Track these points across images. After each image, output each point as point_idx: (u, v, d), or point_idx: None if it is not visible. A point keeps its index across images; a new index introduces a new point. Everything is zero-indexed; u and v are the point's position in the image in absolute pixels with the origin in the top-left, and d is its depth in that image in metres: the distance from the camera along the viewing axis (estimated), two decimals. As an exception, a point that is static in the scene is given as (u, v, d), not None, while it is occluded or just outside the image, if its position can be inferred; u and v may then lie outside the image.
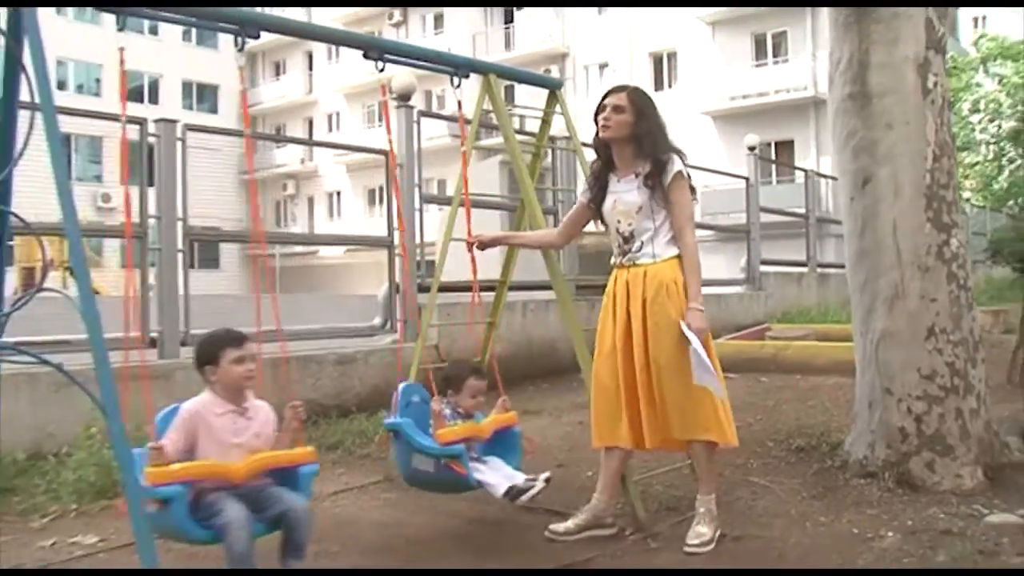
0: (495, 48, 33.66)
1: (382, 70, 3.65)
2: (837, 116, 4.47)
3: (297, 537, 2.80)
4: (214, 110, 39.85)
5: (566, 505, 3.96)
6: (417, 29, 36.26)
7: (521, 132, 6.31)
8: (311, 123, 40.50)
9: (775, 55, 27.48)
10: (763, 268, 11.19)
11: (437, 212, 8.49)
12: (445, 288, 7.20)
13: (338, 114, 39.31)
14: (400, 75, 6.80)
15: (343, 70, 36.68)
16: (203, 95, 40.23)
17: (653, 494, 4.08)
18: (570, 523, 3.61)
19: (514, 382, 7.58)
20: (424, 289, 7.18)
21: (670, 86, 29.74)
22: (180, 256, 5.79)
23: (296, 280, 32.52)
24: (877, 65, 4.29)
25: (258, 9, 3.54)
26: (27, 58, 2.52)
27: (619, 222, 3.55)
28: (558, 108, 4.44)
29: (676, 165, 3.46)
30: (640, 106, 3.51)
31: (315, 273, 34.27)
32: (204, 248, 31.35)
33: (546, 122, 4.51)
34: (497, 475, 3.58)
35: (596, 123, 3.57)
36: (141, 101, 35.68)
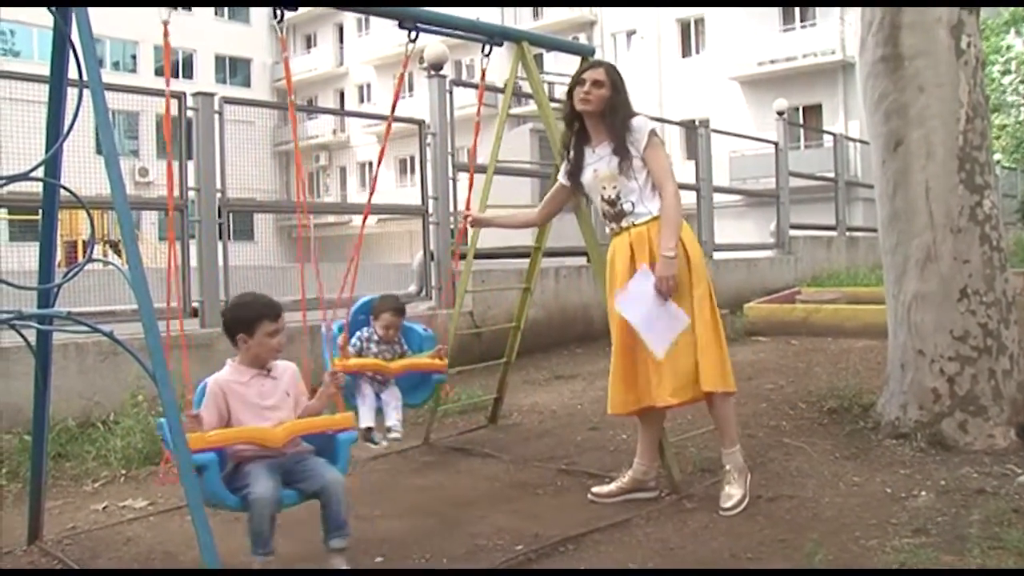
0: (523, 16, 33.38)
1: (415, 39, 3.70)
2: (868, 79, 4.44)
3: (333, 514, 2.79)
4: (247, 83, 40.02)
5: (602, 467, 4.06)
6: (445, -3, 36.05)
7: (552, 100, 6.31)
8: (342, 95, 40.54)
9: (803, 19, 27.00)
10: (792, 232, 11.14)
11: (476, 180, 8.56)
12: (481, 255, 7.33)
13: (369, 85, 39.30)
14: (432, 45, 6.84)
15: (373, 42, 36.63)
16: (236, 69, 40.40)
17: (688, 456, 4.14)
18: (612, 486, 3.69)
19: (548, 347, 7.70)
20: (463, 256, 7.28)
21: (698, 52, 29.37)
22: (219, 227, 5.91)
23: (331, 250, 32.64)
24: (909, 26, 4.26)
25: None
26: (75, 36, 2.60)
27: (603, 188, 3.60)
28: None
29: (648, 124, 3.56)
30: (615, 80, 3.59)
31: (349, 243, 34.38)
32: (239, 220, 31.57)
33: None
34: (369, 413, 4.08)
35: (571, 97, 3.62)
36: (176, 76, 35.90)
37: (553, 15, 32.27)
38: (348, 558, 2.91)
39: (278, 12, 3.16)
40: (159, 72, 36.15)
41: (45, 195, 2.97)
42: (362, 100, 39.51)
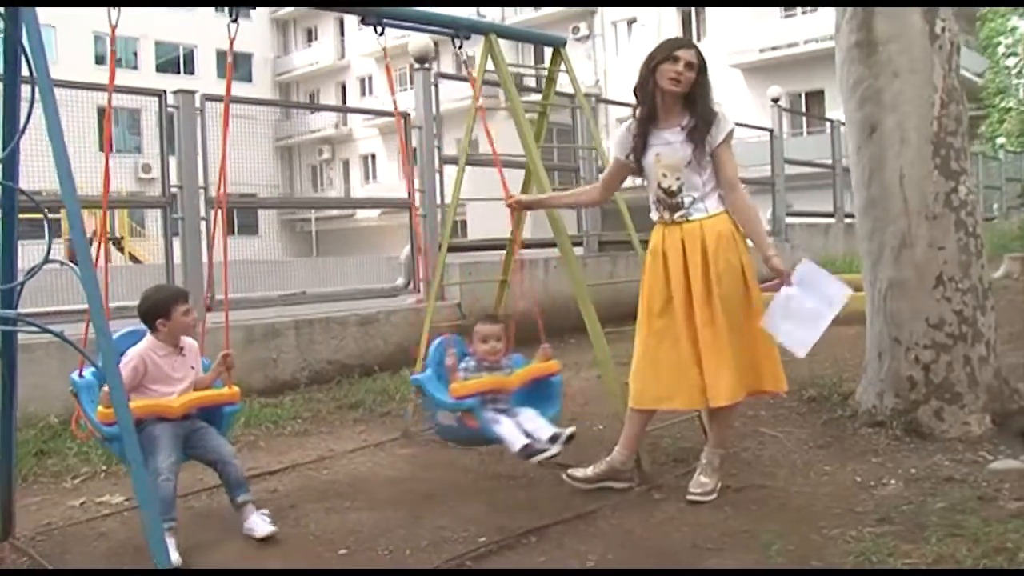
0: (524, 7, 33.33)
1: (381, 34, 3.71)
2: (844, 65, 4.42)
3: (233, 477, 3.30)
4: (248, 78, 40.05)
5: (578, 459, 4.02)
6: (447, -12, 36.00)
7: (538, 91, 6.29)
8: (344, 88, 40.57)
9: (804, 6, 26.87)
10: (789, 220, 11.09)
11: (467, 172, 8.54)
12: (457, 248, 7.31)
13: (370, 77, 39.30)
14: (417, 38, 6.84)
15: (374, 35, 36.63)
16: (237, 64, 40.39)
17: (663, 447, 4.16)
18: (589, 470, 3.67)
19: (537, 339, 7.66)
20: (449, 249, 7.28)
21: (699, 40, 29.22)
22: (203, 224, 5.92)
23: (333, 243, 32.79)
24: (883, 11, 4.23)
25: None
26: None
27: (664, 176, 3.48)
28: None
29: (730, 124, 3.46)
30: (704, 65, 3.46)
31: (351, 236, 34.50)
32: (243, 215, 31.71)
33: (551, 80, 4.53)
34: (516, 431, 3.59)
35: (653, 72, 3.43)
36: (178, 72, 35.99)
37: (553, 5, 32.19)
38: (314, 548, 3.07)
39: (233, 11, 3.16)
40: (160, 68, 36.26)
41: (4, 195, 2.98)
42: (364, 93, 39.53)
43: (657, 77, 3.43)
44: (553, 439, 3.50)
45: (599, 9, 31.30)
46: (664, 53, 3.44)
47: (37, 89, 2.45)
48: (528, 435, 3.56)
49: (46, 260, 2.77)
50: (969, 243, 4.19)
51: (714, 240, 3.43)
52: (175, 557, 2.92)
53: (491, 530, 3.20)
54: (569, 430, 3.55)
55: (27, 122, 2.75)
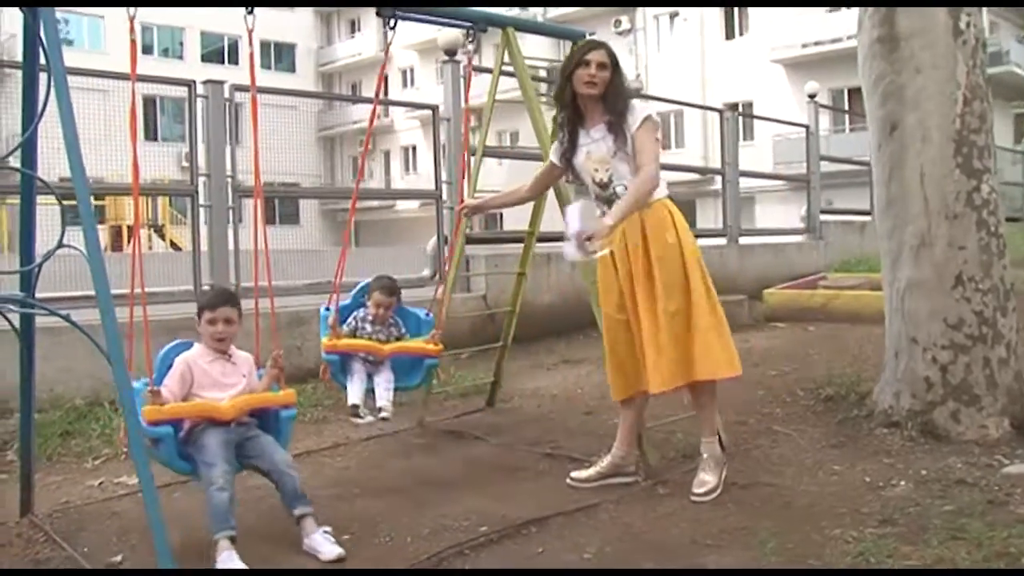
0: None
1: (394, 27, 3.74)
2: (866, 61, 4.37)
3: (289, 489, 3.04)
4: (291, 69, 40.49)
5: (587, 452, 4.06)
6: (486, -21, 35.99)
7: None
8: (386, 79, 40.76)
9: (826, 5, 26.44)
10: (824, 217, 10.96)
11: (496, 166, 8.57)
12: (476, 240, 7.35)
13: (412, 69, 39.47)
14: (447, 30, 6.86)
15: (416, 26, 36.52)
16: (281, 54, 40.86)
17: (673, 442, 4.15)
18: (591, 471, 3.71)
19: (563, 331, 7.70)
20: (472, 241, 7.32)
21: (741, 34, 28.97)
22: (231, 212, 6.02)
23: (374, 233, 33.02)
24: (906, 6, 4.16)
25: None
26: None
27: (595, 171, 3.56)
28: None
29: (644, 110, 3.51)
30: (616, 62, 3.54)
31: (392, 226, 34.73)
32: (284, 204, 32.12)
33: (571, 74, 4.51)
34: (358, 390, 4.18)
35: (569, 78, 3.52)
36: (223, 62, 36.43)
37: (594, -4, 32.05)
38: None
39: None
40: (205, 58, 36.73)
41: (23, 182, 3.07)
42: (405, 85, 39.70)
43: (574, 83, 3.52)
44: (378, 410, 4.17)
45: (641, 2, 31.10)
46: (576, 59, 3.52)
47: (53, 80, 2.53)
48: (371, 392, 4.23)
49: (59, 245, 2.86)
50: (991, 243, 4.12)
51: (651, 226, 3.48)
52: (237, 564, 2.79)
53: (493, 520, 3.22)
54: (387, 414, 4.17)
55: (43, 110, 2.83)
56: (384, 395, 4.24)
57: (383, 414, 4.20)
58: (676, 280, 3.47)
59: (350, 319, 4.35)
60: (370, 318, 4.36)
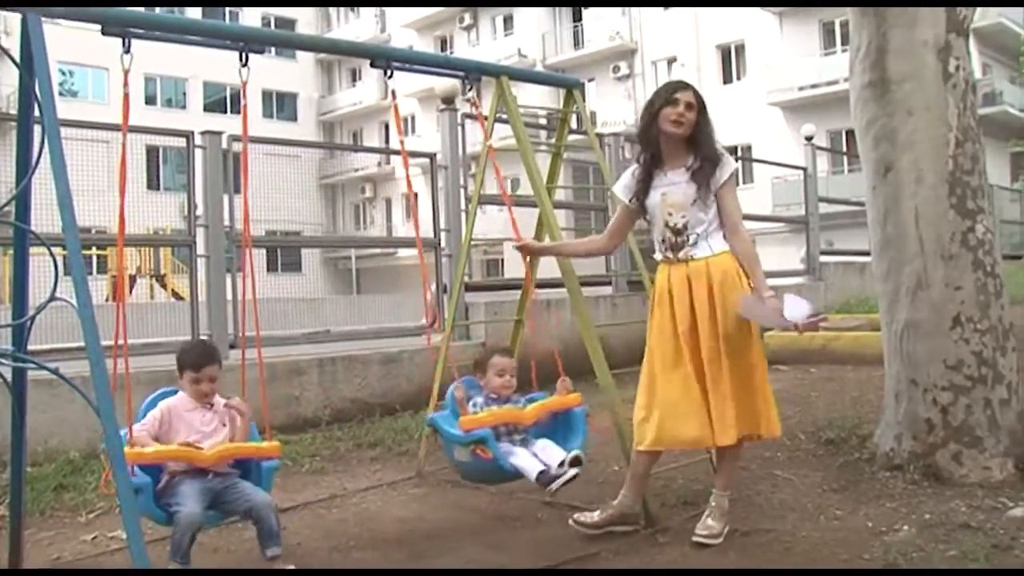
0: (565, 47, 33.66)
1: (390, 77, 3.77)
2: (857, 104, 4.40)
3: (266, 528, 3.11)
4: (293, 118, 40.85)
5: (588, 499, 4.01)
6: (487, 32, 36.46)
7: (577, 132, 6.22)
8: (387, 127, 41.11)
9: (844, 43, 26.73)
10: (824, 258, 10.96)
11: (497, 213, 8.58)
12: (475, 287, 7.35)
13: (413, 117, 39.79)
14: (443, 79, 6.93)
15: (417, 75, 37.15)
16: (282, 104, 41.26)
17: (674, 488, 4.10)
18: (597, 516, 3.61)
19: (569, 376, 7.61)
20: (471, 288, 7.32)
21: (738, 78, 29.26)
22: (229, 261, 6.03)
23: (375, 281, 33.09)
24: (896, 50, 4.21)
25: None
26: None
27: (670, 215, 3.49)
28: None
29: (733, 164, 3.49)
30: (703, 104, 3.49)
31: (392, 273, 34.80)
32: (286, 252, 32.24)
33: (564, 121, 4.57)
34: (532, 460, 3.63)
35: (657, 116, 3.46)
36: (224, 112, 36.79)
37: (594, 45, 32.51)
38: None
39: (243, 56, 3.24)
40: (207, 107, 37.08)
41: (15, 235, 3.07)
42: (406, 132, 39.99)
43: (659, 121, 3.46)
44: (562, 464, 3.54)
45: (639, 48, 31.49)
46: (664, 97, 3.47)
47: (46, 135, 2.54)
48: (545, 464, 3.60)
49: (51, 298, 2.86)
50: (988, 283, 4.11)
51: (719, 278, 3.43)
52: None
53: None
54: (573, 452, 3.58)
55: (36, 163, 2.85)
56: (555, 451, 3.70)
57: (571, 455, 3.62)
58: (740, 333, 3.42)
59: (469, 407, 3.78)
60: (493, 395, 3.84)
